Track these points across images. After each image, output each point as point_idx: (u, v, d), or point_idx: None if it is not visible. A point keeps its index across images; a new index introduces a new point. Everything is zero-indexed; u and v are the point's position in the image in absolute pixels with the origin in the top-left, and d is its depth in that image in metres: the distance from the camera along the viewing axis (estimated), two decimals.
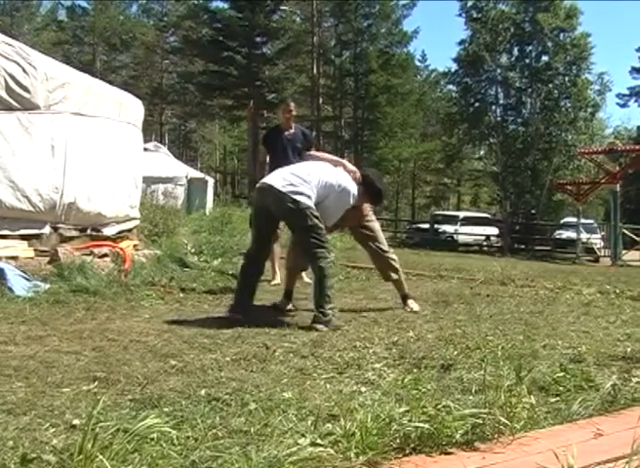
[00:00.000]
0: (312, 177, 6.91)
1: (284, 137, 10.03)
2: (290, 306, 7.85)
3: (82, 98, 10.08)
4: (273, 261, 10.11)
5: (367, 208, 7.95)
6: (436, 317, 7.27)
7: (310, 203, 6.76)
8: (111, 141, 10.84)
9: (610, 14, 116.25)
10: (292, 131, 10.13)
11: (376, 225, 8.20)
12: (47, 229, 9.48)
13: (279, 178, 6.98)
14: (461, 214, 42.99)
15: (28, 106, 9.21)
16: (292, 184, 6.82)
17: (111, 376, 4.18)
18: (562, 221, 42.64)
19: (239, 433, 3.18)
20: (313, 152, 8.89)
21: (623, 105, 78.88)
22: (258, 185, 7.26)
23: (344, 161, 7.88)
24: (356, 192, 7.18)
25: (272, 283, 9.82)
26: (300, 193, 6.75)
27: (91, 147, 10.15)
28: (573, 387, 4.16)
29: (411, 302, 8.04)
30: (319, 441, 2.94)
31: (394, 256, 8.21)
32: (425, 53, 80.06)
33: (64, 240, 9.64)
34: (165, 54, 68.46)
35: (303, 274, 10.01)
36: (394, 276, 8.16)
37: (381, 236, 8.22)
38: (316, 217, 6.75)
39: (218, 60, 56.29)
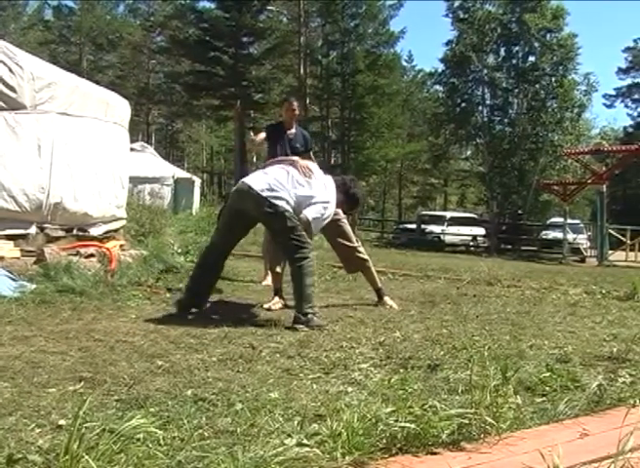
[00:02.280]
0: (291, 186, 6.88)
1: (286, 136, 9.97)
2: (281, 304, 7.84)
3: (68, 98, 10.06)
4: (266, 262, 10.12)
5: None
6: (423, 317, 7.27)
7: (289, 207, 6.75)
8: (98, 141, 10.82)
9: (596, 14, 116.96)
10: (293, 130, 10.07)
11: (345, 225, 8.27)
12: (33, 229, 9.46)
13: (260, 181, 6.94)
14: (448, 215, 43.09)
15: (15, 106, 9.18)
16: (271, 189, 6.80)
17: (97, 377, 4.17)
18: (548, 222, 42.78)
19: (225, 433, 3.18)
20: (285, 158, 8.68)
21: (610, 106, 79.38)
22: (237, 185, 7.26)
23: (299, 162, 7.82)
24: (335, 203, 7.17)
25: (263, 283, 9.82)
26: (280, 198, 6.74)
27: (77, 147, 10.13)
28: (559, 387, 4.17)
29: (387, 299, 8.21)
30: (305, 441, 2.94)
31: (361, 249, 8.33)
32: (412, 53, 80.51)
33: (51, 240, 9.62)
34: (151, 54, 68.41)
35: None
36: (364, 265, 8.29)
37: (350, 232, 8.31)
38: (295, 219, 6.75)
39: (204, 60, 56.19)
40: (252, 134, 10.83)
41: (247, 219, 7.16)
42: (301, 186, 6.94)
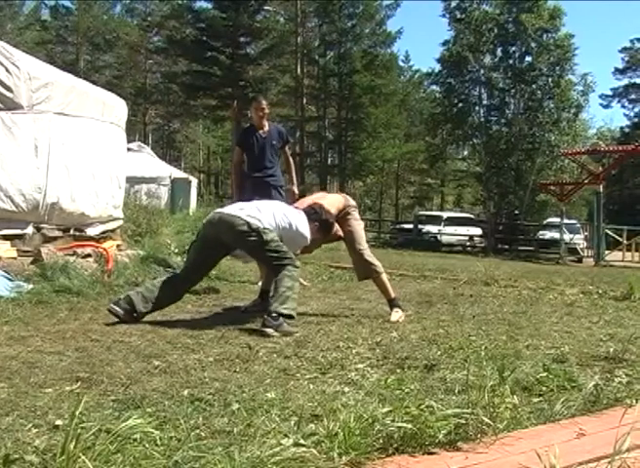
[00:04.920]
0: (266, 213, 6.81)
1: (259, 137, 9.94)
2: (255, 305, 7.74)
3: (65, 98, 10.05)
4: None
5: (351, 205, 7.88)
6: (419, 317, 7.28)
7: (261, 224, 6.62)
8: (95, 141, 10.82)
9: (593, 15, 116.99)
10: (266, 129, 10.02)
11: (355, 225, 7.98)
12: (30, 229, 9.46)
13: (231, 207, 7.00)
14: (445, 215, 43.12)
15: (11, 106, 9.18)
16: (243, 209, 6.80)
17: (94, 377, 4.17)
18: (545, 222, 42.82)
19: (222, 433, 3.17)
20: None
21: (607, 106, 79.55)
22: (208, 217, 7.13)
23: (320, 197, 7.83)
24: (309, 233, 7.02)
25: (260, 283, 9.81)
26: (252, 216, 6.66)
27: (74, 147, 10.13)
28: (555, 387, 4.17)
29: (395, 311, 7.49)
30: (302, 441, 2.94)
31: (369, 259, 7.94)
32: (409, 53, 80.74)
33: (48, 240, 9.61)
34: (149, 54, 68.43)
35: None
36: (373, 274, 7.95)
37: (360, 235, 7.97)
38: (270, 233, 6.62)
39: (201, 60, 56.31)
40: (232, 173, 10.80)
41: (218, 247, 6.93)
42: (275, 215, 6.84)
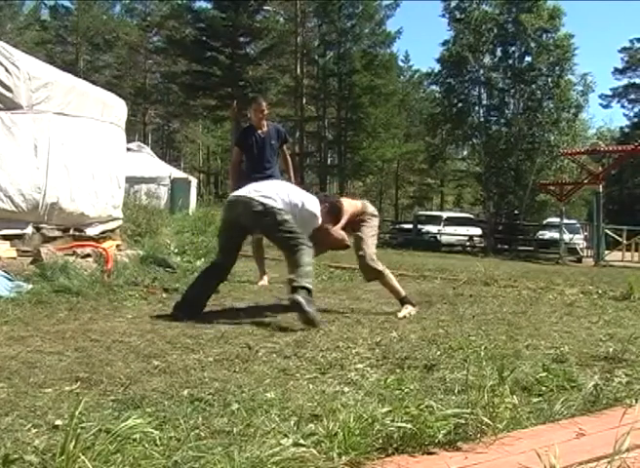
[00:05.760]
0: (280, 193, 7.04)
1: (258, 137, 10.03)
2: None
3: (65, 98, 10.05)
4: (259, 264, 10.14)
5: (368, 213, 7.98)
6: (419, 317, 7.27)
7: (277, 205, 6.87)
8: (94, 141, 10.82)
9: (593, 15, 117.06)
10: (265, 129, 10.13)
11: (365, 230, 7.98)
12: (29, 229, 9.45)
13: (247, 189, 7.18)
14: (445, 215, 43.15)
15: (11, 106, 9.18)
16: (259, 192, 7.00)
17: (94, 377, 4.16)
18: (545, 222, 42.79)
19: (222, 433, 3.17)
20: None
21: (606, 106, 79.59)
22: (227, 200, 7.47)
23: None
24: (319, 213, 7.26)
25: (259, 283, 9.82)
26: (268, 197, 6.90)
27: (74, 147, 10.13)
28: (555, 387, 4.17)
29: (404, 307, 7.59)
30: (302, 441, 2.94)
31: (371, 263, 7.87)
32: (409, 53, 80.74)
33: (47, 240, 9.61)
34: (148, 53, 68.48)
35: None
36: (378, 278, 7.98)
37: (365, 241, 7.96)
38: (285, 214, 6.86)
39: (201, 60, 56.33)
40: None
41: (240, 230, 7.31)
42: (288, 195, 7.10)
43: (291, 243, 6.85)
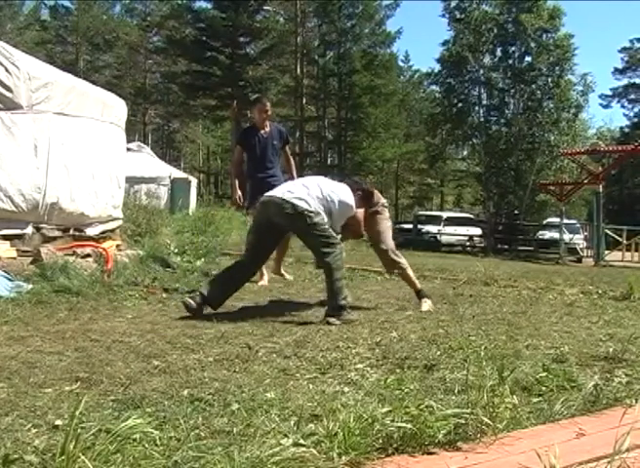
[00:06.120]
0: (313, 192, 7.07)
1: (260, 137, 10.08)
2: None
3: (65, 98, 10.06)
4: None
5: (381, 203, 8.15)
6: (419, 317, 7.25)
7: (308, 207, 6.89)
8: (94, 141, 10.83)
9: (593, 15, 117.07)
10: (267, 129, 10.18)
11: (382, 223, 8.17)
12: (29, 229, 9.46)
13: (280, 189, 7.28)
14: (445, 215, 43.17)
15: (11, 106, 9.18)
16: (291, 192, 7.04)
17: (94, 377, 4.16)
18: (545, 222, 42.81)
19: (222, 433, 3.17)
20: None
21: (606, 106, 79.58)
22: (260, 199, 7.49)
23: None
24: (354, 202, 7.32)
25: (259, 283, 9.81)
26: (300, 198, 6.92)
27: (74, 147, 10.13)
28: (555, 387, 4.16)
29: (423, 302, 7.96)
30: (302, 441, 2.94)
31: (394, 257, 8.16)
32: (409, 53, 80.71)
33: (47, 240, 9.61)
34: (148, 53, 68.47)
35: (283, 271, 10.15)
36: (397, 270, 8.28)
37: (385, 235, 8.19)
38: (316, 216, 6.89)
39: (201, 60, 56.35)
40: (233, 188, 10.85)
41: (274, 231, 7.37)
42: (322, 190, 7.14)
43: (321, 249, 6.95)
